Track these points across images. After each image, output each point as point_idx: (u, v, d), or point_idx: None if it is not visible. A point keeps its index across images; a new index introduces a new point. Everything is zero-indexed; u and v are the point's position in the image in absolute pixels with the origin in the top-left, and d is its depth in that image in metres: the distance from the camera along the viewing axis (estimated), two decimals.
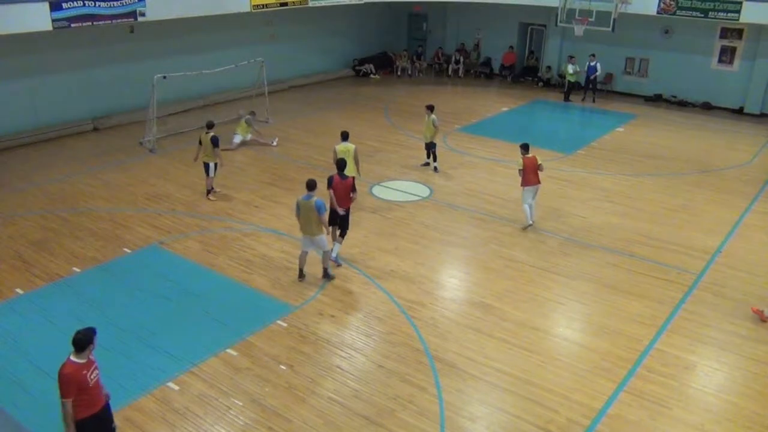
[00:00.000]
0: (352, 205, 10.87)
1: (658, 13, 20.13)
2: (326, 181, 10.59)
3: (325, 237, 9.99)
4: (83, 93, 18.04)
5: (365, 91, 23.64)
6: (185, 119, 19.01)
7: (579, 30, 20.66)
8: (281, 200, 13.44)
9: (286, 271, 10.61)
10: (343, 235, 10.83)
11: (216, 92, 21.03)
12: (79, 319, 9.08)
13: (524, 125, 20.03)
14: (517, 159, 12.15)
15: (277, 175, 15.02)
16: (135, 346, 8.62)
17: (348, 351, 8.64)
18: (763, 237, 12.27)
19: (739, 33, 20.90)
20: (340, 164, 10.66)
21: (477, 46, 26.65)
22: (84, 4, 15.40)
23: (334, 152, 12.16)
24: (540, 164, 12.10)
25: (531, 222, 12.38)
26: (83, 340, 5.86)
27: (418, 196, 13.88)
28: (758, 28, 20.16)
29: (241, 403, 7.63)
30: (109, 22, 16.12)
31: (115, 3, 15.98)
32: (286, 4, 20.47)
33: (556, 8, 20.89)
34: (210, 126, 13.30)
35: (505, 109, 21.64)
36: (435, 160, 15.30)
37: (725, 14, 19.14)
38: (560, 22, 21.07)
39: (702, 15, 19.50)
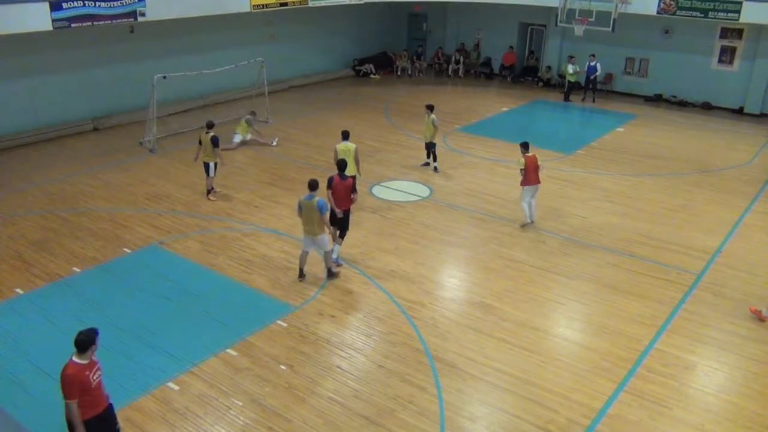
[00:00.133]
0: (352, 206, 10.86)
1: (658, 13, 20.12)
2: (326, 182, 10.59)
3: (326, 237, 10.00)
4: (83, 93, 18.03)
5: (365, 91, 23.65)
6: (185, 119, 19.01)
7: (579, 30, 20.67)
8: (281, 200, 13.44)
9: (286, 271, 10.61)
10: (342, 235, 10.83)
11: (216, 92, 21.03)
12: (79, 319, 9.09)
13: (524, 125, 20.03)
14: (519, 158, 12.14)
15: (277, 175, 15.02)
16: (135, 346, 8.62)
17: (348, 351, 8.65)
18: (763, 237, 12.27)
19: (739, 33, 20.90)
20: (341, 165, 10.67)
21: (477, 46, 26.65)
22: (84, 4, 15.40)
23: (335, 151, 12.16)
24: (539, 165, 12.12)
25: (529, 221, 12.39)
26: (85, 341, 5.85)
27: (418, 196, 13.88)
28: (758, 28, 20.16)
29: (241, 403, 7.63)
30: (109, 22, 16.12)
31: (115, 3, 15.98)
32: (286, 4, 20.47)
33: (556, 8, 20.89)
34: (210, 126, 13.30)
35: (505, 109, 21.64)
36: (435, 160, 15.30)
37: (725, 14, 19.14)
38: (560, 22, 21.07)
39: (702, 15, 19.50)
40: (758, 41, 20.48)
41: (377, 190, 14.09)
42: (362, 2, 23.31)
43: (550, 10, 22.03)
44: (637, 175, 15.42)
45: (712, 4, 19.18)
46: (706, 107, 21.94)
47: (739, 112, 21.42)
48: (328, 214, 9.90)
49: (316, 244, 10.03)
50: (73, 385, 5.76)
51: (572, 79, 22.31)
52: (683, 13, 19.74)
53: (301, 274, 10.31)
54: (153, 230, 12.02)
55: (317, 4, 21.57)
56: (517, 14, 24.89)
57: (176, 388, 7.86)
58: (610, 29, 20.18)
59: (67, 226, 12.12)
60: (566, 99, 22.54)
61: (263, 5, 19.75)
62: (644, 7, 20.14)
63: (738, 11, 18.83)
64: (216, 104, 20.84)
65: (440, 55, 26.79)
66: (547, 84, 24.70)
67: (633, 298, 10.02)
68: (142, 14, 16.60)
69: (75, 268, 10.62)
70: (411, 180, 14.76)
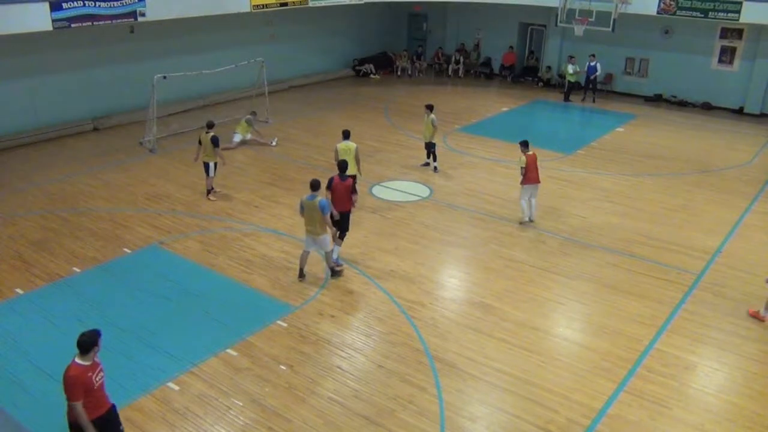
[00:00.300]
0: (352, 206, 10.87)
1: (658, 13, 20.13)
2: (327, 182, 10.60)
3: (328, 237, 10.01)
4: (83, 93, 18.03)
5: (365, 91, 23.65)
6: (185, 119, 19.01)
7: (579, 30, 20.67)
8: (281, 200, 13.44)
9: (286, 271, 10.61)
10: (342, 236, 10.83)
11: (216, 92, 21.03)
12: (79, 319, 9.10)
13: (524, 125, 20.01)
14: (520, 157, 12.14)
15: (277, 175, 15.02)
16: (135, 346, 8.62)
17: (348, 351, 8.65)
18: (763, 237, 12.27)
19: (739, 33, 20.90)
20: (342, 165, 10.68)
21: (477, 46, 26.65)
22: (84, 4, 15.40)
23: (336, 151, 12.19)
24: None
25: (527, 219, 12.43)
26: (88, 342, 5.85)
27: (418, 196, 13.88)
28: (758, 28, 20.16)
29: (241, 403, 7.63)
30: (109, 22, 16.12)
31: (115, 3, 15.98)
32: (286, 4, 20.47)
33: (556, 8, 20.89)
34: (210, 126, 13.31)
35: (505, 109, 21.64)
36: (435, 160, 15.30)
37: (725, 14, 19.14)
38: (560, 22, 21.07)
39: (702, 15, 19.50)
40: (758, 41, 20.48)
41: (377, 190, 14.09)
42: (362, 2, 23.31)
43: (550, 10, 22.03)
44: (637, 175, 15.43)
45: (712, 4, 19.18)
46: (706, 107, 21.94)
47: (739, 112, 21.42)
48: (329, 215, 9.91)
49: (317, 244, 10.04)
50: (76, 386, 5.75)
51: (572, 79, 22.31)
52: (683, 13, 19.75)
53: (301, 274, 10.31)
54: (153, 230, 12.01)
55: (317, 4, 21.58)
56: (517, 14, 24.89)
57: (176, 388, 7.86)
58: (610, 29, 20.18)
59: (67, 226, 12.12)
60: (566, 99, 22.54)
61: (263, 5, 19.75)
62: (644, 7, 20.15)
63: (738, 11, 18.83)
64: (216, 104, 20.84)
65: (440, 55, 26.78)
66: (547, 84, 24.70)
67: (633, 298, 10.02)
68: (142, 14, 16.60)
69: (75, 268, 10.62)
70: (411, 180, 14.76)
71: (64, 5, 15.02)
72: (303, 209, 9.83)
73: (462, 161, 16.12)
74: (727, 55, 21.33)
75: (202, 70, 18.26)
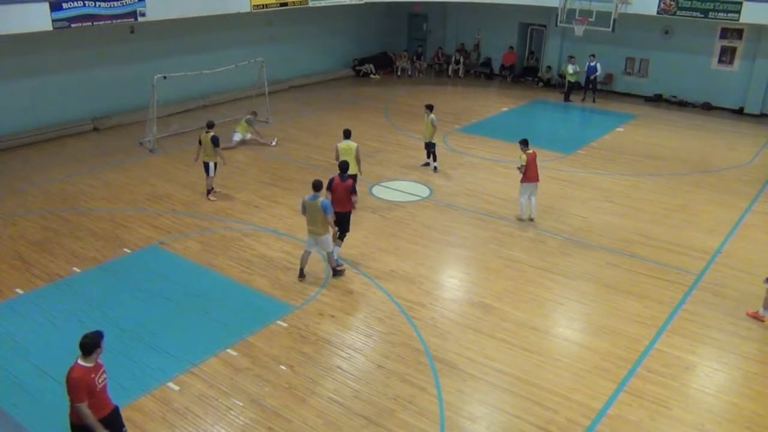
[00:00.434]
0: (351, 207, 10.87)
1: (658, 13, 20.12)
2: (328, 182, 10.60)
3: (330, 237, 10.01)
4: (83, 93, 18.03)
5: (365, 91, 23.64)
6: (185, 119, 19.01)
7: (579, 30, 20.67)
8: (281, 200, 13.44)
9: (286, 271, 10.61)
10: (342, 237, 10.83)
11: (216, 92, 21.02)
12: (79, 319, 9.10)
13: (524, 125, 19.99)
14: (520, 155, 12.15)
15: (277, 175, 15.02)
16: (135, 346, 8.62)
17: (348, 351, 8.65)
18: (763, 237, 12.27)
19: (739, 33, 20.90)
20: (343, 166, 10.69)
21: (477, 46, 26.65)
22: (84, 5, 15.40)
23: (336, 150, 12.22)
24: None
25: (525, 217, 12.46)
26: (90, 344, 5.85)
27: (418, 196, 13.88)
28: (758, 28, 20.16)
29: (241, 404, 7.63)
30: (109, 22, 16.11)
31: (115, 3, 15.98)
32: (286, 4, 20.47)
33: (556, 8, 20.89)
34: (210, 126, 13.31)
35: (505, 109, 21.64)
36: (435, 160, 15.30)
37: (725, 14, 19.14)
38: (560, 22, 21.07)
39: (702, 15, 19.50)
40: (758, 41, 20.48)
41: (377, 190, 14.09)
42: (362, 2, 23.31)
43: (550, 10, 22.02)
44: (637, 175, 15.43)
45: (712, 4, 19.18)
46: (706, 107, 21.93)
47: (739, 112, 21.41)
48: (331, 216, 9.91)
49: (319, 245, 10.05)
50: (79, 388, 5.74)
51: (572, 79, 22.31)
52: (683, 13, 19.74)
53: (302, 274, 10.31)
54: (153, 230, 12.01)
55: (317, 4, 21.58)
56: (517, 14, 24.88)
57: (176, 388, 7.86)
58: (610, 29, 20.18)
59: (67, 227, 12.12)
60: (566, 99, 22.54)
61: (263, 5, 19.76)
62: (644, 7, 20.15)
63: (738, 11, 18.83)
64: (216, 104, 20.83)
65: (440, 55, 26.78)
66: (547, 84, 24.70)
67: (633, 298, 10.03)
68: (142, 14, 16.60)
69: (75, 269, 10.61)
70: (411, 180, 14.76)
71: (64, 5, 15.02)
72: (305, 209, 9.84)
73: (462, 161, 16.12)
74: (727, 55, 21.33)
75: (203, 70, 18.26)
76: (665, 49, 22.32)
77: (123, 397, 7.45)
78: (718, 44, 21.36)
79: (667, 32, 22.14)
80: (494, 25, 25.90)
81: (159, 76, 16.35)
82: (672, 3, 19.72)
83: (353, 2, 23.07)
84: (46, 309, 9.43)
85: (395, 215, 12.86)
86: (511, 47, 25.63)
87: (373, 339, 8.92)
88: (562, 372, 8.28)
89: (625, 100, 22.78)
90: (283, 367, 8.27)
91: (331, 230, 10.04)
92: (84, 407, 5.77)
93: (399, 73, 26.38)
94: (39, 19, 14.72)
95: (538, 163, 12.42)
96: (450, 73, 26.11)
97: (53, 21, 14.95)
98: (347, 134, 12.45)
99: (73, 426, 5.99)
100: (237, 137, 16.81)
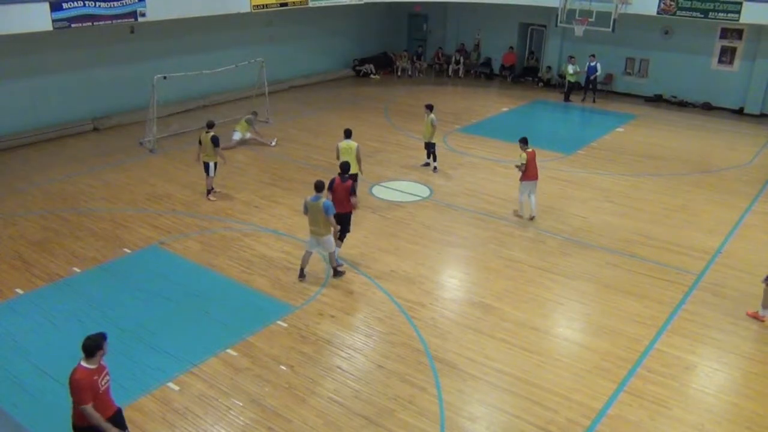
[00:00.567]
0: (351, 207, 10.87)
1: (658, 13, 20.13)
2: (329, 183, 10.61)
3: (331, 238, 10.02)
4: (83, 93, 18.03)
5: (365, 91, 23.65)
6: (185, 119, 19.01)
7: (579, 30, 20.67)
8: (281, 200, 13.44)
9: (286, 271, 10.61)
10: (342, 237, 10.83)
11: (216, 92, 21.02)
12: (79, 319, 9.11)
13: (524, 125, 19.96)
14: (520, 154, 12.16)
15: (277, 175, 15.02)
16: (135, 346, 8.62)
17: (348, 351, 8.65)
18: (763, 237, 12.27)
19: (739, 33, 20.90)
20: (344, 167, 10.70)
21: (477, 46, 26.64)
22: (84, 5, 15.40)
23: (337, 150, 12.25)
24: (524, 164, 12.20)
25: (524, 215, 12.46)
26: (93, 346, 5.83)
27: (418, 196, 13.88)
28: (758, 29, 20.16)
29: (241, 404, 7.63)
30: (109, 22, 16.12)
31: (115, 3, 15.98)
32: (286, 4, 20.47)
33: (556, 8, 20.89)
34: (210, 126, 13.31)
35: (505, 109, 21.64)
36: (435, 160, 15.30)
37: (725, 14, 19.14)
38: (560, 22, 21.07)
39: (702, 15, 19.50)
40: (758, 41, 20.48)
41: (377, 190, 14.09)
42: (362, 2, 23.31)
43: (550, 11, 22.02)
44: (637, 175, 15.43)
45: (712, 4, 19.18)
46: (706, 107, 21.93)
47: (739, 112, 21.41)
48: (333, 216, 9.92)
49: (321, 245, 10.06)
50: (82, 389, 5.73)
51: (572, 80, 22.31)
52: (683, 13, 19.74)
53: (302, 274, 10.31)
54: (153, 230, 12.01)
55: (317, 4, 21.58)
56: (517, 14, 24.88)
57: (176, 388, 7.86)
58: (610, 29, 20.18)
59: (67, 226, 12.12)
60: (566, 99, 22.54)
61: (263, 5, 19.76)
62: (644, 8, 20.15)
63: (738, 11, 18.83)
64: (216, 104, 20.83)
65: (440, 55, 26.78)
66: (547, 84, 24.70)
67: (633, 298, 10.03)
68: (143, 14, 16.61)
69: (75, 269, 10.61)
70: (411, 180, 14.76)
71: (65, 5, 15.02)
72: (307, 210, 9.84)
73: (462, 161, 16.12)
74: (727, 55, 21.33)
75: (203, 70, 18.26)
76: (665, 50, 22.32)
77: (123, 397, 7.43)
78: (718, 44, 21.36)
79: (667, 32, 22.14)
80: (494, 25, 25.90)
81: (159, 76, 16.35)
82: (672, 3, 19.72)
83: (353, 2, 23.07)
84: (46, 309, 9.43)
85: (395, 215, 12.86)
86: (511, 47, 25.63)
87: (373, 339, 8.92)
88: (562, 372, 8.28)
89: (625, 101, 22.78)
90: (283, 367, 8.27)
91: (333, 230, 10.04)
92: (89, 408, 5.75)
93: (399, 73, 26.38)
94: (39, 19, 14.73)
95: (538, 163, 12.45)
96: (450, 73, 26.11)
97: (53, 21, 14.95)
98: (348, 134, 12.46)
99: (75, 428, 5.97)
100: (236, 136, 16.81)
